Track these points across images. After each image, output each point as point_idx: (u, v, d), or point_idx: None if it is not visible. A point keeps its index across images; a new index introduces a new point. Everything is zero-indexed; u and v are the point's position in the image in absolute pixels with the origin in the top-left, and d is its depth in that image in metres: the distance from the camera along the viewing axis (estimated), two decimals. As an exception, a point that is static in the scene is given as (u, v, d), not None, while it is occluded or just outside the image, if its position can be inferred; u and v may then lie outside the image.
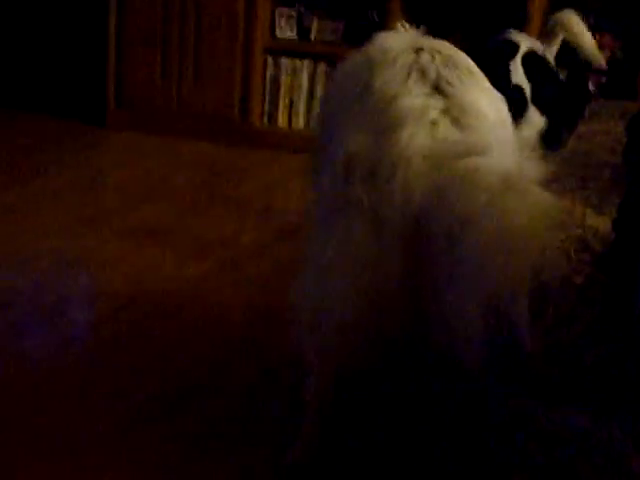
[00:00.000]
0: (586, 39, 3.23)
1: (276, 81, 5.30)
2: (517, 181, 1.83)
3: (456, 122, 2.07)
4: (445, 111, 2.07)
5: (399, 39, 2.26)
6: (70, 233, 3.95)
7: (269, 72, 5.30)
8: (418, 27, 2.36)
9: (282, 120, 5.32)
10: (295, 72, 5.25)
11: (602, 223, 2.00)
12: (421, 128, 2.04)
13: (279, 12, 5.27)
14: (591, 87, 4.81)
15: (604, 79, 4.84)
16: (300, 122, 5.27)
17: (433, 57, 2.16)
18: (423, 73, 2.12)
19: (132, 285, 3.48)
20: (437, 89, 2.09)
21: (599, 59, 3.37)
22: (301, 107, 5.26)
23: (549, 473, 1.85)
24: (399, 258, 2.00)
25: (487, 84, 2.25)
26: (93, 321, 3.31)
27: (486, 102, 2.17)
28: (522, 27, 3.95)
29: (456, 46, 2.37)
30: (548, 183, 2.31)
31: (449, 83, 2.11)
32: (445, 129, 2.05)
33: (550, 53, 3.18)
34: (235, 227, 4.15)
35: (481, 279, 1.82)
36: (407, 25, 2.34)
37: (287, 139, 5.09)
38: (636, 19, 4.71)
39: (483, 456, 1.96)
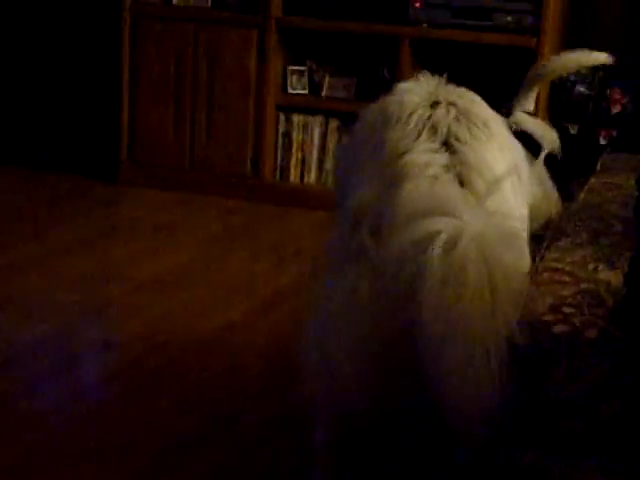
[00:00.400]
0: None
1: (288, 137, 5.32)
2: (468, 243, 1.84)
3: (459, 177, 2.08)
4: (448, 167, 2.09)
5: (417, 91, 2.27)
6: (87, 285, 3.97)
7: (281, 128, 5.32)
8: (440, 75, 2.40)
9: (294, 176, 5.33)
10: (307, 128, 5.27)
11: (614, 277, 2.00)
12: (421, 183, 2.06)
13: (290, 69, 5.30)
14: (602, 140, 4.82)
15: (615, 132, 4.85)
16: (312, 178, 5.28)
17: (448, 111, 2.17)
18: (435, 129, 2.13)
19: (146, 337, 3.48)
20: (446, 144, 2.11)
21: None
22: (313, 163, 5.27)
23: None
24: (401, 314, 1.97)
25: (503, 137, 2.26)
26: (106, 374, 3.29)
27: (499, 158, 2.17)
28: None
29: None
30: (559, 237, 2.33)
31: (458, 139, 2.12)
32: (447, 184, 2.07)
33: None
34: (249, 279, 4.17)
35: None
36: (427, 75, 2.35)
37: (299, 195, 5.11)
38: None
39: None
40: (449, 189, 2.06)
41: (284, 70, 5.32)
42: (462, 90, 2.35)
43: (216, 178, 5.38)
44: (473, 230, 1.85)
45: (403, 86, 2.33)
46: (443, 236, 1.84)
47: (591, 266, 2.07)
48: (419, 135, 2.12)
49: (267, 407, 2.99)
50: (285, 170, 5.36)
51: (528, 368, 1.80)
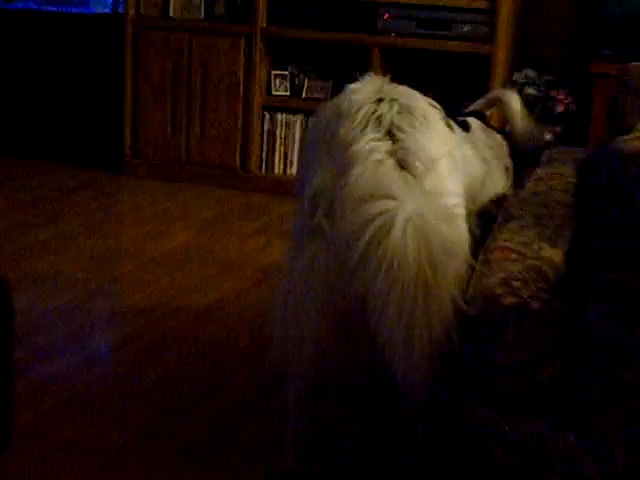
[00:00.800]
0: (517, 123, 3.24)
1: (272, 134, 5.32)
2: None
3: (400, 161, 2.13)
4: (390, 152, 2.13)
5: (364, 91, 2.29)
6: (96, 264, 3.97)
7: (266, 126, 5.32)
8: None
9: (278, 168, 5.34)
10: (289, 126, 5.27)
11: (556, 255, 2.00)
12: (367, 168, 2.09)
13: (274, 73, 5.30)
14: (548, 136, 4.83)
15: (560, 129, 4.86)
16: (294, 170, 5.26)
17: (391, 106, 2.21)
18: (379, 121, 2.18)
19: (149, 310, 3.50)
20: (389, 134, 2.15)
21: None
22: (294, 156, 5.26)
23: (512, 474, 1.85)
24: (352, 284, 2.00)
25: (439, 127, 2.32)
26: (115, 342, 3.32)
27: (436, 144, 2.23)
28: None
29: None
30: (508, 220, 2.33)
31: (399, 129, 2.17)
32: (389, 168, 2.11)
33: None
34: (239, 259, 4.17)
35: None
36: (373, 76, 2.40)
37: (282, 184, 5.09)
38: (586, 78, 4.74)
39: (455, 461, 1.96)
40: (391, 172, 2.11)
41: (268, 74, 5.31)
42: (403, 88, 2.38)
43: (209, 170, 5.38)
44: (409, 209, 1.91)
45: (352, 86, 2.35)
46: (381, 218, 1.90)
47: (536, 246, 2.07)
48: (365, 127, 2.17)
49: (254, 369, 3.00)
50: (270, 163, 5.36)
51: (480, 335, 1.81)
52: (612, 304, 1.70)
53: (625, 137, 1.73)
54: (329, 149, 2.23)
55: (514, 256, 2.02)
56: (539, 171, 2.88)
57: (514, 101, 3.28)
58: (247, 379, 2.96)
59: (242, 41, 5.23)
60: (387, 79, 2.42)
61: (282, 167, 5.36)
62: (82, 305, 3.55)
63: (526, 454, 1.81)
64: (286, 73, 5.30)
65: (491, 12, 4.79)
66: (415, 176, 2.12)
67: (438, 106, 2.41)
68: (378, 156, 2.13)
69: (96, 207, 4.94)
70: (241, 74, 5.25)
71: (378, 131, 2.17)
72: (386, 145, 2.15)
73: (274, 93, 5.31)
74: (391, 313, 1.92)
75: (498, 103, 3.29)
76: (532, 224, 2.24)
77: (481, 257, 2.09)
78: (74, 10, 5.92)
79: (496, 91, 3.44)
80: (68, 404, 2.77)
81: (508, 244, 2.10)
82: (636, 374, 1.72)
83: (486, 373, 1.81)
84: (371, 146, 2.14)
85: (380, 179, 2.08)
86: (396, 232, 1.88)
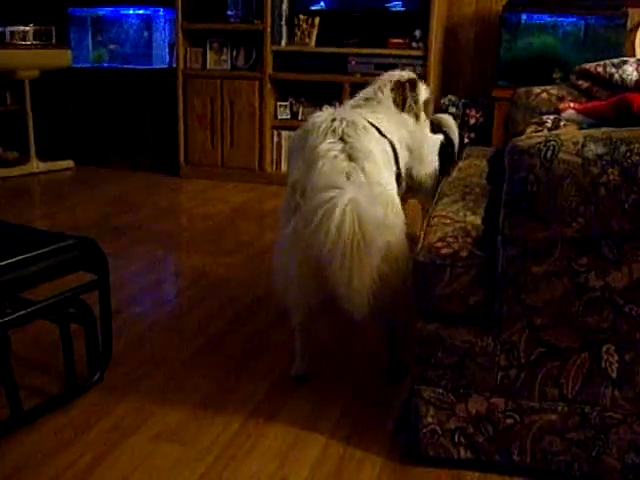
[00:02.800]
0: (455, 135, 3.26)
1: (279, 145, 5.28)
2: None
3: (349, 157, 2.18)
4: (342, 150, 2.19)
5: (323, 115, 2.34)
6: (165, 240, 3.94)
7: (275, 139, 5.28)
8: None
9: (284, 167, 5.29)
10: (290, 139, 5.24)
11: (476, 219, 1.99)
12: (327, 161, 2.15)
13: (279, 104, 5.25)
14: (466, 139, 4.81)
15: (473, 135, 4.84)
16: (294, 168, 5.24)
17: (341, 122, 2.27)
18: (334, 132, 2.24)
19: (201, 266, 3.48)
20: (341, 139, 2.21)
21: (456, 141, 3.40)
22: (295, 159, 5.24)
23: (450, 369, 1.85)
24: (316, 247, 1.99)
25: (375, 135, 2.35)
26: (179, 290, 3.28)
27: (374, 145, 2.28)
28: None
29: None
30: (442, 197, 2.32)
31: (348, 135, 2.22)
32: (341, 161, 2.17)
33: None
34: (258, 232, 4.15)
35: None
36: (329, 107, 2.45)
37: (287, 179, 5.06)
38: (490, 100, 4.72)
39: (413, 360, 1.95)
40: (342, 163, 2.17)
41: (275, 104, 5.26)
42: (349, 111, 2.50)
43: (237, 171, 5.33)
44: (348, 196, 1.91)
45: (316, 114, 2.39)
46: (329, 203, 1.91)
47: (462, 213, 2.06)
48: (325, 136, 2.23)
49: (268, 311, 2.99)
50: (278, 164, 5.32)
51: (426, 275, 1.80)
52: (515, 250, 1.69)
53: (518, 138, 1.72)
54: (302, 153, 2.27)
55: (447, 221, 2.00)
56: (460, 164, 2.87)
57: (450, 120, 3.29)
58: (266, 312, 2.95)
59: (257, 83, 5.17)
60: (340, 107, 2.56)
61: (287, 167, 5.31)
62: (155, 266, 3.53)
63: (460, 353, 1.81)
64: (287, 103, 5.25)
65: (424, 57, 4.76)
66: (358, 163, 2.17)
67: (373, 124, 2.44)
68: (334, 153, 2.19)
69: (163, 199, 4.89)
70: (257, 105, 5.20)
71: (333, 137, 2.23)
72: (339, 145, 2.21)
73: (279, 117, 5.26)
74: (335, 266, 1.94)
75: (437, 122, 3.26)
76: (459, 199, 2.23)
77: (425, 223, 2.08)
78: (143, 66, 5.87)
79: (436, 115, 3.41)
80: (149, 332, 2.76)
81: (443, 213, 2.09)
82: (532, 297, 1.71)
83: (432, 300, 1.80)
84: (329, 147, 2.20)
85: (334, 170, 2.15)
86: (337, 212, 1.89)
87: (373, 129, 2.37)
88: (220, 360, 2.53)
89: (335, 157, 2.18)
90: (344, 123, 2.27)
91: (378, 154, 2.27)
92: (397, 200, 2.26)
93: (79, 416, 2.15)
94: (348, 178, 2.14)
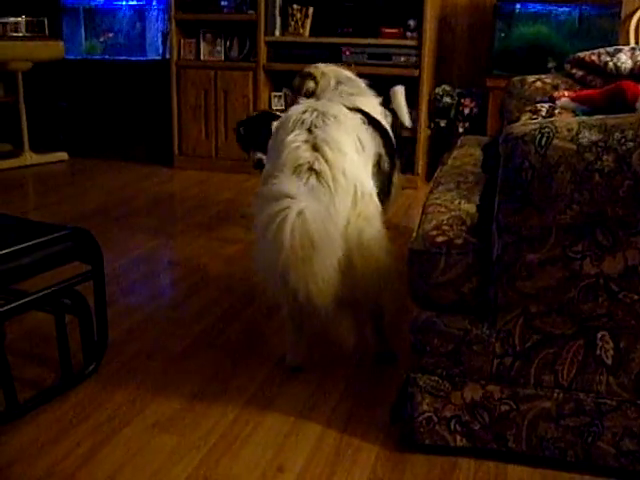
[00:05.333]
0: (402, 110, 3.25)
1: (273, 135, 5.27)
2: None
3: (313, 147, 2.18)
4: (306, 141, 2.18)
5: (299, 107, 2.36)
6: (159, 229, 3.92)
7: (269, 130, 5.27)
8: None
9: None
10: (284, 130, 5.23)
11: (470, 207, 1.99)
12: (290, 151, 2.17)
13: (273, 94, 5.24)
14: (460, 129, 4.80)
15: (467, 124, 4.83)
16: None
17: (312, 114, 2.27)
18: (303, 123, 2.24)
19: (195, 258, 3.46)
20: (308, 130, 2.21)
21: (406, 121, 3.44)
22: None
23: (446, 357, 1.85)
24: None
25: (348, 125, 2.32)
26: (173, 280, 3.28)
27: (342, 134, 2.25)
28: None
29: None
30: (437, 186, 2.31)
31: (315, 126, 2.22)
32: (304, 151, 2.17)
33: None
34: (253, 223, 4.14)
35: None
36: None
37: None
38: (484, 89, 4.72)
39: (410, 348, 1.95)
40: (306, 152, 2.17)
41: (269, 95, 5.24)
42: (325, 102, 2.51)
43: (230, 162, 5.31)
44: (299, 207, 1.94)
45: (293, 107, 2.40)
46: (282, 214, 1.93)
47: (457, 202, 2.06)
48: (294, 128, 2.24)
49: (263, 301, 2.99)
50: (273, 155, 5.32)
51: (422, 263, 1.80)
52: (510, 238, 1.69)
53: (513, 125, 1.71)
54: (274, 146, 2.31)
55: (442, 209, 2.00)
56: (455, 152, 2.87)
57: (400, 96, 3.29)
58: (261, 302, 2.93)
59: (250, 73, 5.15)
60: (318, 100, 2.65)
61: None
62: (149, 257, 3.52)
63: (455, 341, 1.81)
64: (281, 94, 5.23)
65: (418, 47, 4.74)
66: (321, 153, 2.16)
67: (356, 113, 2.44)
68: (297, 144, 2.19)
69: (157, 190, 4.88)
70: (250, 96, 5.18)
71: (300, 129, 2.23)
72: (304, 136, 2.20)
73: (273, 108, 5.23)
74: (292, 275, 1.96)
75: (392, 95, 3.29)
76: (453, 188, 2.23)
77: (421, 212, 2.08)
78: (135, 58, 5.85)
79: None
80: (144, 322, 2.75)
81: (438, 202, 2.08)
82: (527, 285, 1.71)
83: (427, 288, 1.80)
84: (294, 138, 2.21)
85: (297, 161, 2.16)
86: (287, 226, 1.91)
87: (351, 117, 2.37)
88: (216, 350, 2.53)
89: (298, 147, 2.18)
90: (314, 114, 2.28)
91: (347, 142, 2.24)
92: (369, 188, 2.23)
93: (75, 407, 2.15)
94: (311, 168, 2.14)
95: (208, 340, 2.61)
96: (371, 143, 2.39)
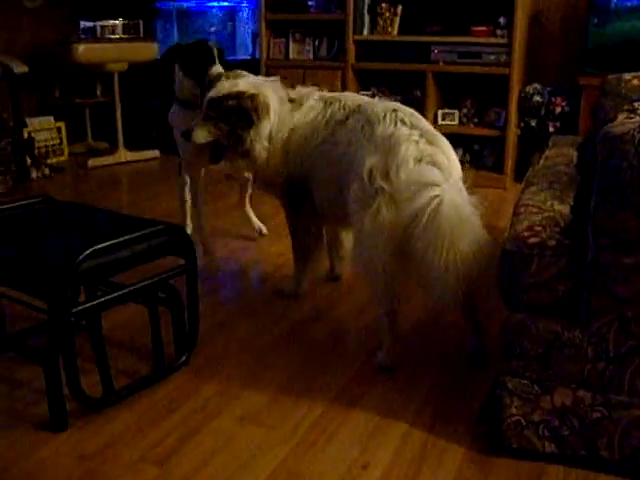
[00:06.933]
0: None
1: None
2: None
3: (429, 141, 2.24)
4: (420, 136, 2.24)
5: (378, 105, 2.45)
6: (249, 229, 3.93)
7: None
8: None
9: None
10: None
11: (564, 208, 1.95)
12: (411, 145, 2.20)
13: (361, 93, 5.22)
14: (551, 128, 4.69)
15: (559, 124, 4.72)
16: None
17: (402, 112, 2.36)
18: (402, 121, 2.31)
19: (284, 254, 3.46)
20: (411, 125, 2.29)
21: None
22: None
23: (536, 360, 1.81)
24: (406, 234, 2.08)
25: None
26: (263, 275, 3.32)
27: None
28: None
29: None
30: (529, 186, 2.27)
31: (411, 122, 2.30)
32: (424, 144, 2.22)
33: None
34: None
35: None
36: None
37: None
38: (576, 88, 4.59)
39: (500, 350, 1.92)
40: (427, 149, 2.21)
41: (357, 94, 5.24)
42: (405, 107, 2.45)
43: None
44: (449, 195, 2.04)
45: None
46: (435, 201, 2.02)
47: (549, 202, 2.02)
48: (395, 124, 2.31)
49: (351, 299, 2.98)
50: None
51: (514, 264, 1.77)
52: (606, 240, 1.64)
53: (611, 124, 1.66)
54: (370, 141, 2.30)
55: (535, 210, 1.97)
56: (547, 152, 2.81)
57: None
58: (349, 300, 2.95)
59: (339, 73, 5.16)
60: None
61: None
62: (239, 253, 3.58)
63: (547, 344, 1.77)
64: (369, 93, 5.21)
65: (508, 45, 4.64)
66: (438, 147, 2.25)
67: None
68: (415, 138, 2.23)
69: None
70: (339, 95, 5.19)
71: (404, 125, 2.28)
72: (416, 131, 2.26)
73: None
74: (436, 256, 2.00)
75: None
76: (546, 188, 2.18)
77: (513, 212, 2.05)
78: (227, 57, 5.94)
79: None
80: (232, 316, 2.80)
81: (530, 202, 2.05)
82: (623, 289, 1.66)
83: (519, 290, 1.77)
84: (408, 132, 2.24)
85: (423, 155, 2.19)
86: (444, 210, 2.00)
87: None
88: (303, 346, 2.55)
89: (417, 142, 2.22)
90: (403, 112, 2.34)
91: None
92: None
93: (166, 397, 2.21)
94: (432, 162, 2.19)
95: (296, 336, 2.63)
96: None
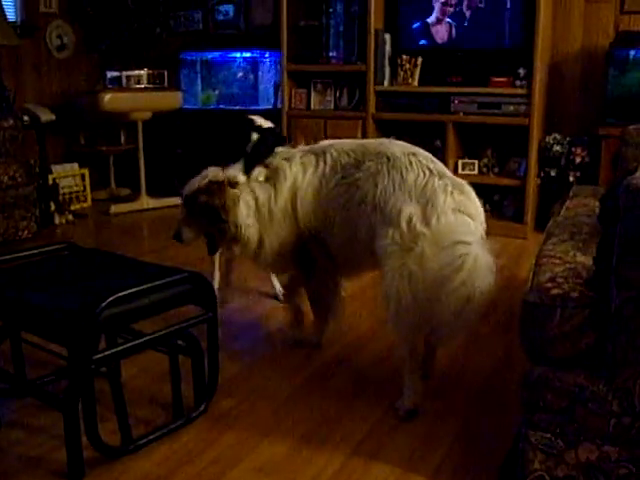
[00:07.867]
0: None
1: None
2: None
3: (460, 192, 2.31)
4: (453, 187, 2.31)
5: (403, 156, 2.45)
6: (268, 277, 3.93)
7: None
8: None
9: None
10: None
11: (586, 260, 1.93)
12: (447, 197, 2.26)
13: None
14: (571, 178, 4.69)
15: (579, 174, 4.72)
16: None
17: (427, 160, 2.42)
18: (430, 170, 2.37)
19: (303, 304, 3.45)
20: (439, 175, 2.35)
21: None
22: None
23: (560, 414, 1.78)
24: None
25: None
26: (283, 324, 3.27)
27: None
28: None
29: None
30: (550, 237, 2.26)
31: (438, 170, 2.38)
32: (458, 195, 2.29)
33: None
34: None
35: None
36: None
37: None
38: (595, 138, 4.60)
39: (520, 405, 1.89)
40: (460, 199, 2.28)
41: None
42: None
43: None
44: (475, 253, 2.05)
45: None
46: (463, 257, 2.04)
47: (571, 253, 2.01)
48: (425, 174, 2.36)
49: (371, 347, 2.97)
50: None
51: (536, 316, 1.75)
52: (629, 292, 1.63)
53: (634, 176, 1.66)
54: (404, 191, 2.32)
55: (557, 261, 1.95)
56: (568, 202, 2.81)
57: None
58: (369, 348, 2.93)
59: (359, 122, 5.22)
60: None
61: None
62: (259, 301, 3.58)
63: (570, 397, 1.74)
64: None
65: (528, 96, 4.68)
66: (465, 196, 2.31)
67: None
68: (450, 189, 2.28)
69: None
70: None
71: (432, 175, 2.33)
72: (448, 181, 2.32)
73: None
74: (455, 303, 2.05)
75: None
76: (568, 239, 2.17)
77: (533, 263, 2.04)
78: (249, 107, 6.03)
79: None
80: (252, 366, 2.80)
81: (552, 253, 2.04)
82: (648, 342, 1.64)
83: (541, 342, 1.75)
84: (441, 183, 2.29)
85: (458, 209, 2.26)
86: (467, 266, 2.04)
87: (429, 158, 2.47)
88: (323, 395, 2.53)
89: (452, 193, 2.28)
90: (423, 157, 2.41)
91: None
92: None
93: (184, 446, 2.19)
94: (460, 210, 2.26)
95: (315, 385, 2.61)
96: None
